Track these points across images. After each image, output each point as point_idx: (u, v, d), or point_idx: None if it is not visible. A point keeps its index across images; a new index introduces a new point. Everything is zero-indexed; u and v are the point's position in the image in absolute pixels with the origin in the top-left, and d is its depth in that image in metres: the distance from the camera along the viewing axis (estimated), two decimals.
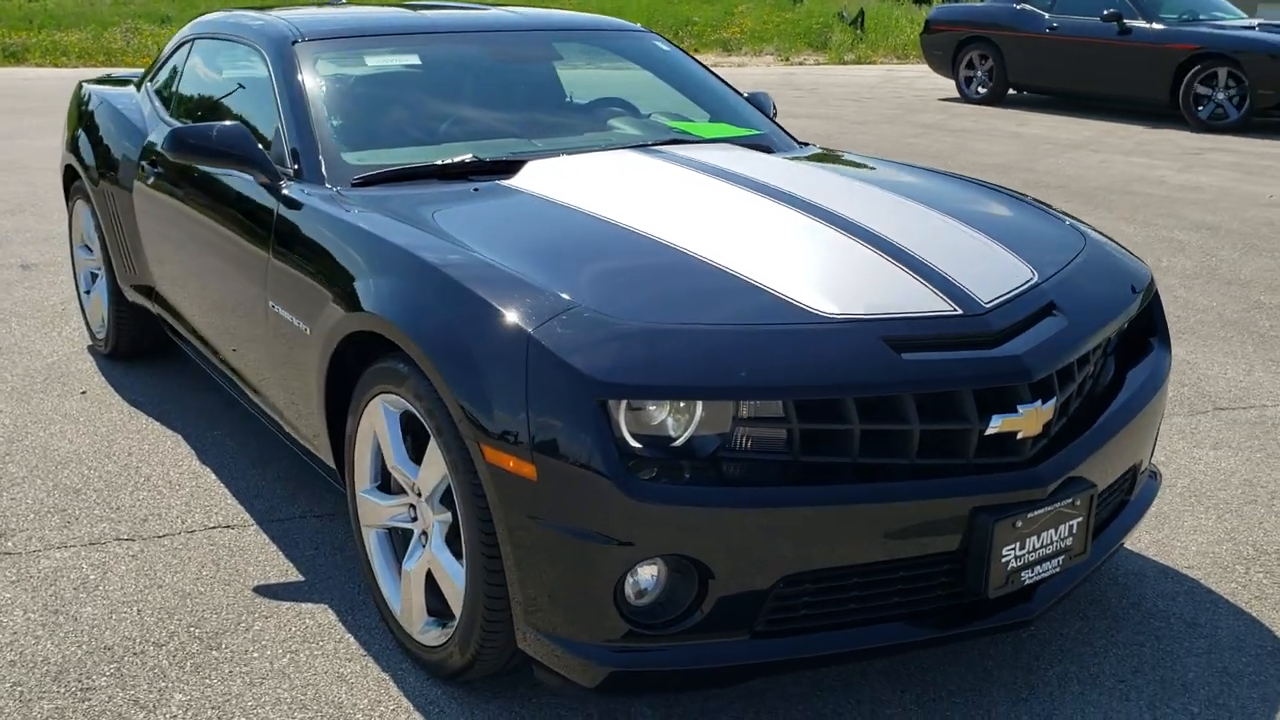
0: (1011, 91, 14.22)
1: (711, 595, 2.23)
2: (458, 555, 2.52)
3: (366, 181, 3.17)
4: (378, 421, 2.70)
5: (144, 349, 4.72)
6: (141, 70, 5.11)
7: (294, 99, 3.40)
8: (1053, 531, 2.41)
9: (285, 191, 3.19)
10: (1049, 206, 3.36)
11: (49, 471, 3.75)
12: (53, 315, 5.38)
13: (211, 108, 4.06)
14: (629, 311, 2.32)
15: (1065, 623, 2.91)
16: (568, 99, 4.13)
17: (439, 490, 2.54)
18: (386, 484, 2.80)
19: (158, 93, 4.45)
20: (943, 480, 2.30)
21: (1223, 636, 2.87)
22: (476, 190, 3.10)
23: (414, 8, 4.37)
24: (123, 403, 4.34)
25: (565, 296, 2.37)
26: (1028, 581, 2.42)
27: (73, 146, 4.75)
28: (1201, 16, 12.60)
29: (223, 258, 3.48)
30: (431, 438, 2.47)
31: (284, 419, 3.28)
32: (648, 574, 2.27)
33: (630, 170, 3.24)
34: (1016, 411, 2.34)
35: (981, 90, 14.23)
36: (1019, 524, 2.34)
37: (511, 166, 3.25)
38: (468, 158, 3.29)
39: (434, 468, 2.51)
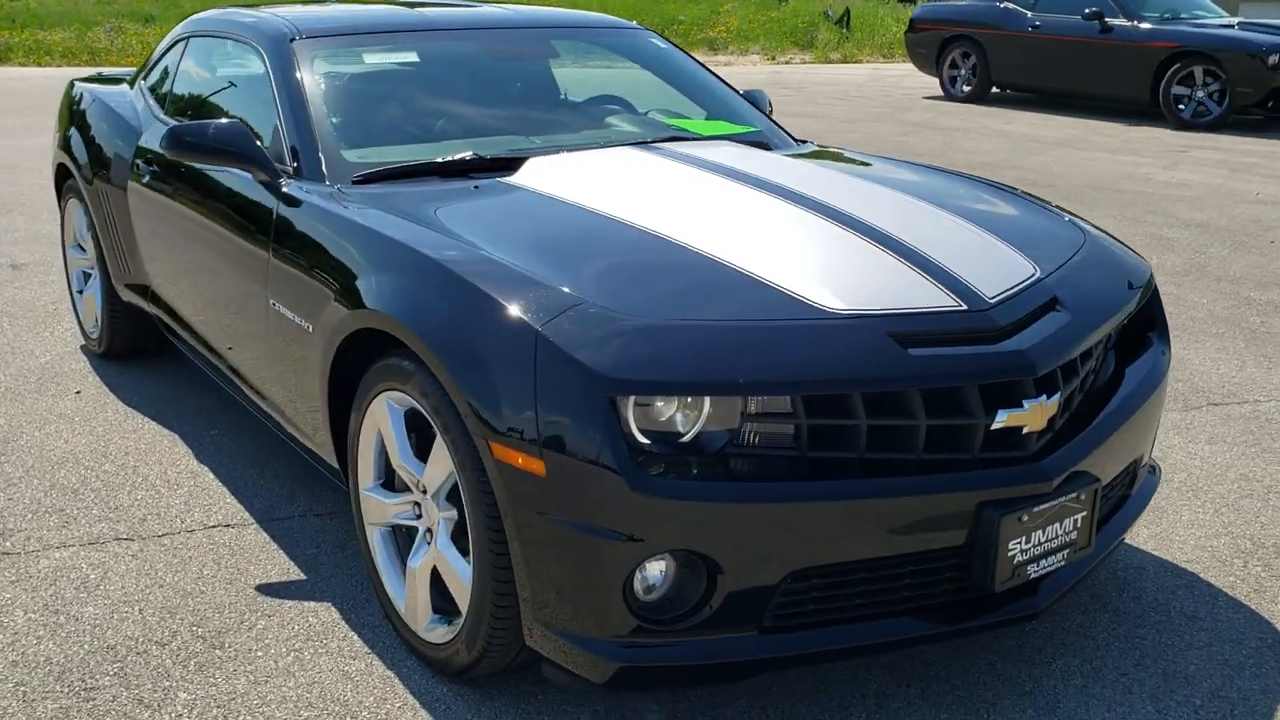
0: (995, 90, 14.28)
1: (720, 591, 2.24)
2: (463, 552, 2.52)
3: (367, 179, 3.17)
4: (382, 419, 2.70)
5: (138, 348, 4.71)
6: (131, 69, 5.09)
7: (293, 96, 3.39)
8: (1058, 525, 2.43)
9: (285, 189, 3.18)
10: (1047, 202, 3.38)
11: (45, 471, 3.73)
12: (44, 315, 5.36)
13: (208, 106, 4.05)
14: (636, 308, 2.33)
15: (1067, 617, 2.92)
16: (562, 96, 4.14)
17: (445, 487, 2.54)
18: (390, 481, 2.80)
19: (151, 90, 4.43)
20: (949, 475, 2.31)
21: (1223, 629, 2.89)
22: (477, 188, 3.10)
23: (409, 5, 4.36)
24: (117, 402, 4.33)
25: (572, 293, 2.37)
26: (1033, 576, 2.43)
27: (65, 145, 4.73)
28: (1182, 15, 12.67)
29: (221, 255, 3.47)
30: (438, 435, 2.47)
31: (284, 417, 3.27)
32: (656, 569, 2.27)
33: (632, 167, 3.24)
34: (1022, 406, 2.35)
35: (966, 88, 14.28)
36: (1025, 518, 2.35)
37: (512, 164, 3.25)
38: (468, 155, 3.29)
39: (440, 465, 2.51)
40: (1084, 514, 2.48)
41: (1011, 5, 13.59)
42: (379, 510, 2.79)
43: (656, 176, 3.16)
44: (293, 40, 3.58)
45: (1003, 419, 2.33)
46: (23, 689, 2.62)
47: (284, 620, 2.90)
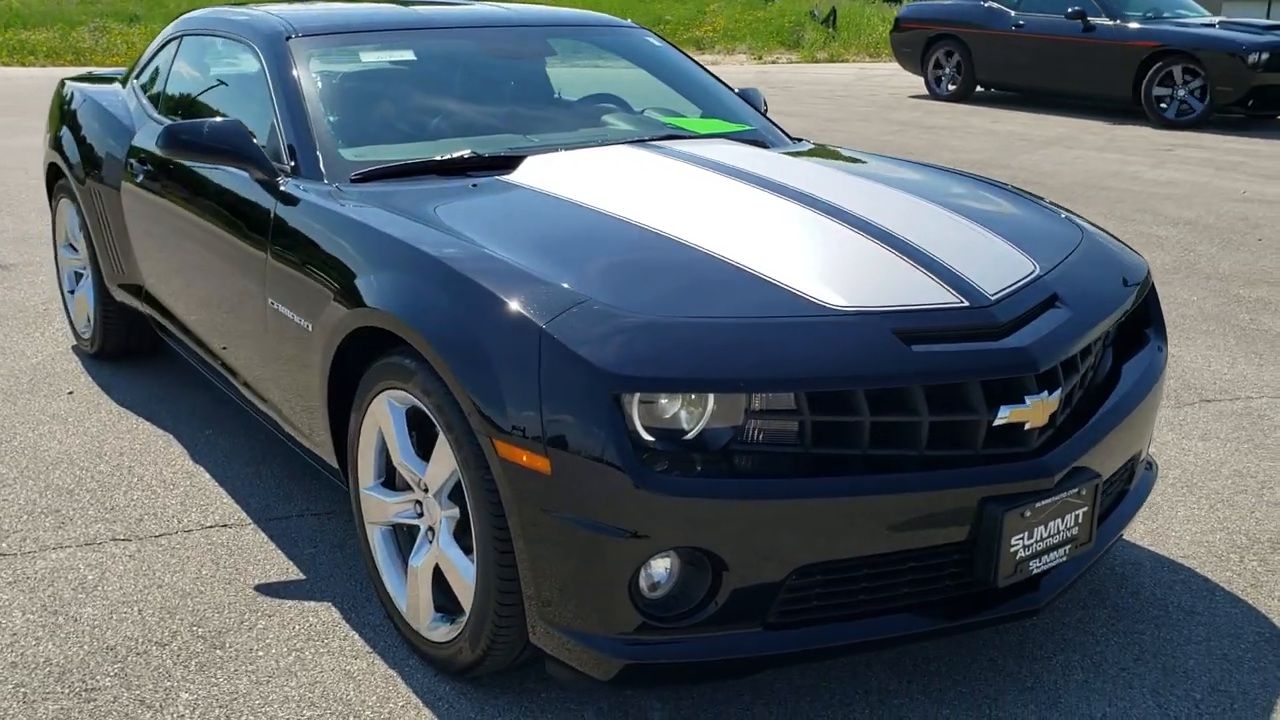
0: (979, 89, 14.32)
1: (725, 587, 2.24)
2: (466, 550, 2.52)
3: (364, 177, 3.16)
4: (383, 418, 2.69)
5: (131, 349, 4.68)
6: (117, 69, 5.05)
7: (289, 95, 3.38)
8: (1059, 521, 2.44)
9: (283, 188, 3.17)
10: (1044, 200, 3.40)
11: (40, 472, 3.72)
12: (35, 316, 5.33)
13: (202, 105, 4.03)
14: (640, 305, 2.33)
15: (1067, 612, 2.93)
16: (556, 95, 4.13)
17: (447, 486, 2.54)
18: (390, 480, 2.80)
19: (144, 90, 4.41)
20: (952, 471, 2.32)
21: (1221, 624, 2.91)
22: (475, 186, 3.10)
23: (405, 2, 4.35)
24: (111, 403, 4.31)
25: (575, 290, 2.37)
26: (1035, 571, 2.44)
27: (56, 144, 4.70)
28: (1165, 14, 12.73)
29: (217, 255, 3.46)
30: (440, 433, 2.46)
31: (281, 416, 3.26)
32: (661, 567, 2.27)
33: (630, 165, 3.24)
34: (1024, 402, 2.36)
35: (950, 88, 14.32)
36: (1027, 514, 2.36)
37: (510, 162, 3.24)
38: (466, 153, 3.29)
39: (442, 463, 2.50)
40: (1085, 509, 2.49)
41: (995, 4, 13.64)
42: (380, 509, 2.79)
43: (656, 174, 3.16)
44: (289, 38, 3.57)
45: (1005, 415, 2.34)
46: (23, 690, 2.61)
47: (284, 620, 2.89)
